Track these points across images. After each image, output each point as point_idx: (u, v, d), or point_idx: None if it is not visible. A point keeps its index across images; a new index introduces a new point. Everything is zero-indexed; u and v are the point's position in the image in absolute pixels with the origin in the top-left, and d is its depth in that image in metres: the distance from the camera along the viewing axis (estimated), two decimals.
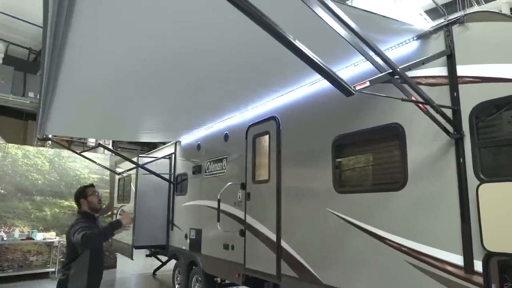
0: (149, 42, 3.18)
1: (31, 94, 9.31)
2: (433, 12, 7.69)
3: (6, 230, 9.53)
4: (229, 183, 5.53)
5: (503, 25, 2.70)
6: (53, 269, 9.75)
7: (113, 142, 14.71)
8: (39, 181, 10.32)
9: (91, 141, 13.01)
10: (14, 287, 8.65)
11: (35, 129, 12.73)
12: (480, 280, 2.59)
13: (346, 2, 6.62)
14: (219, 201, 5.39)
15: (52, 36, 2.74)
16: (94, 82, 4.10)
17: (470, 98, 2.79)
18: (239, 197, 5.51)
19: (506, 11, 7.25)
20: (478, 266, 2.60)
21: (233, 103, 5.40)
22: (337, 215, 3.78)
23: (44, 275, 9.67)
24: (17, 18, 8.59)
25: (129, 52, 3.37)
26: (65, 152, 10.92)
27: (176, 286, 7.59)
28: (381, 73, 2.48)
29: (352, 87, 2.20)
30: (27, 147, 10.49)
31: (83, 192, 3.90)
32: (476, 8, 6.79)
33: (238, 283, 5.28)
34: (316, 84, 4.31)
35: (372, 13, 2.71)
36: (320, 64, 2.13)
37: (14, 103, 10.20)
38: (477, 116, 2.75)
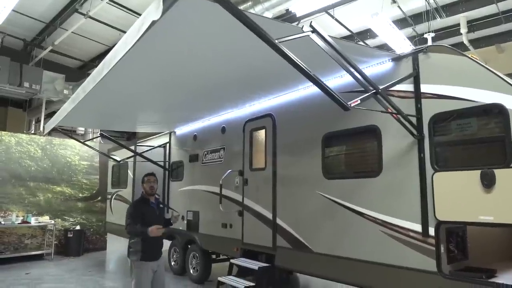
0: (172, 66, 4.10)
1: (26, 84, 9.64)
2: (402, 22, 8.76)
3: (1, 214, 9.94)
4: (229, 170, 6.32)
5: (454, 57, 3.67)
6: (48, 251, 10.20)
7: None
8: (32, 168, 10.71)
9: (80, 130, 13.38)
10: (12, 268, 9.12)
11: (27, 117, 12.99)
12: (433, 241, 3.61)
13: (329, 11, 7.50)
14: (221, 186, 6.20)
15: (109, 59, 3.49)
16: (121, 89, 4.85)
17: (429, 109, 3.77)
18: (237, 182, 6.35)
19: (463, 24, 8.40)
20: (431, 231, 3.62)
21: (232, 102, 6.18)
22: (325, 196, 4.73)
23: (39, 257, 10.14)
24: (14, 11, 8.88)
25: (154, 69, 4.21)
26: (57, 140, 11.34)
27: (172, 263, 8.36)
28: (367, 90, 3.39)
29: (348, 104, 3.09)
30: (20, 135, 10.80)
31: (142, 179, 4.71)
32: (438, 20, 7.86)
33: (236, 256, 6.13)
34: (309, 89, 5.16)
35: (360, 44, 3.61)
36: (327, 88, 3.02)
37: (10, 93, 10.46)
38: (434, 122, 3.73)
